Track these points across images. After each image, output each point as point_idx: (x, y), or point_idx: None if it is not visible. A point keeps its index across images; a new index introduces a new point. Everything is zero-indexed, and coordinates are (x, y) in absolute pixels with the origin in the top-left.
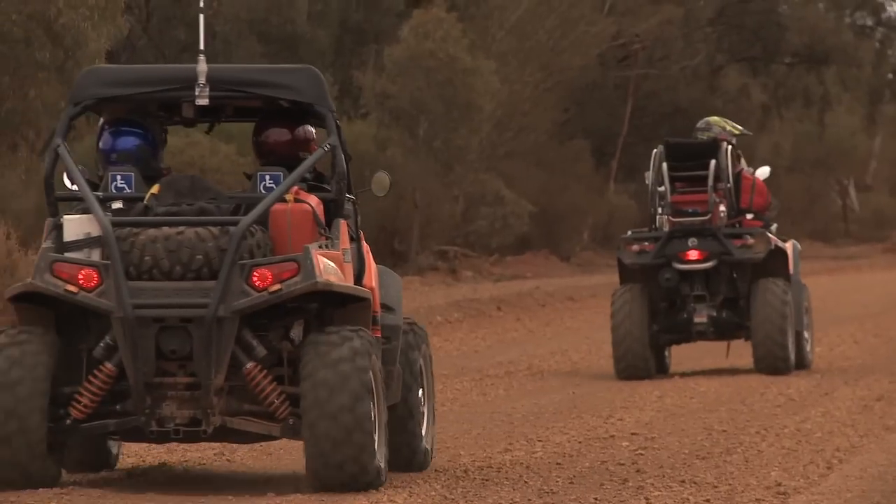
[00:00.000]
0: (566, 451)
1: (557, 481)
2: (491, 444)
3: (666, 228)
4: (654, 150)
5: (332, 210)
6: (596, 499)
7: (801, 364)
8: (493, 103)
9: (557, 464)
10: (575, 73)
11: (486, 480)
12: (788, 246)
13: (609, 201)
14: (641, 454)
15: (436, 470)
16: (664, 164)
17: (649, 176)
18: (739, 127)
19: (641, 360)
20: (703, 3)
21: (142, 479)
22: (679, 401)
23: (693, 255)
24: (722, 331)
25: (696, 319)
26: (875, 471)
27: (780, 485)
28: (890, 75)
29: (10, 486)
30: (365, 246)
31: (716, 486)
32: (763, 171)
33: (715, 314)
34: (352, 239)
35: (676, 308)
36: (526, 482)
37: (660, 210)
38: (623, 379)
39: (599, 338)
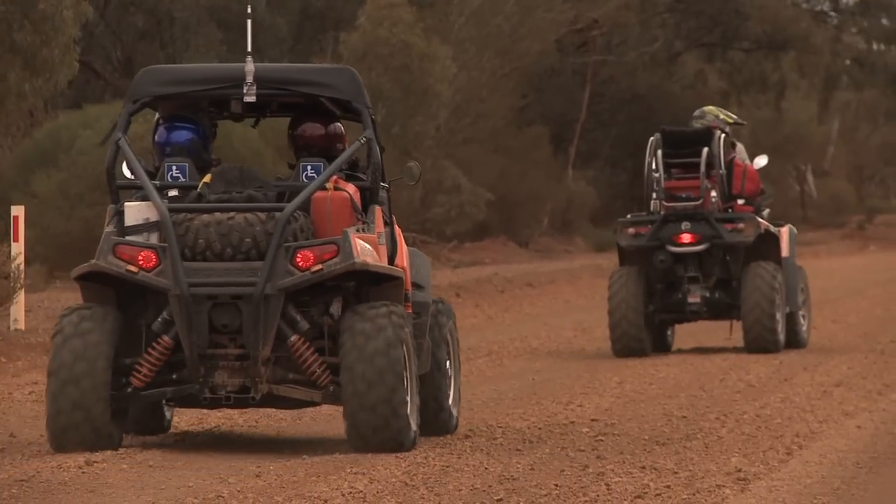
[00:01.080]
0: (526, 438)
1: (518, 467)
2: None
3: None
4: (651, 138)
5: (368, 197)
6: (556, 485)
7: (797, 343)
8: (451, 90)
9: (518, 450)
10: (533, 59)
11: (447, 467)
12: (784, 230)
13: (567, 187)
14: (602, 440)
15: (396, 456)
16: (659, 151)
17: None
18: (734, 116)
19: (637, 339)
20: None
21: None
22: (639, 387)
23: (686, 238)
24: (715, 311)
25: (690, 300)
26: (835, 456)
27: (740, 470)
28: (847, 62)
29: (78, 445)
30: (397, 229)
31: (676, 472)
32: (760, 160)
33: (708, 295)
34: (386, 223)
35: (672, 289)
36: (486, 468)
37: (654, 195)
38: (620, 357)
39: (558, 324)
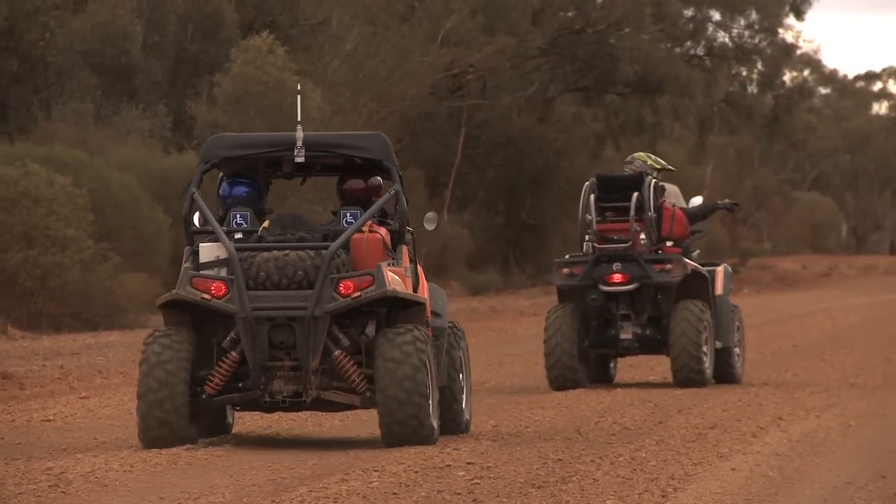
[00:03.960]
0: (402, 481)
1: None
2: (327, 474)
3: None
4: (586, 183)
5: (396, 239)
6: None
7: (731, 378)
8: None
9: (394, 494)
10: (408, 103)
11: None
12: (719, 269)
13: (443, 231)
14: (478, 483)
15: (272, 501)
16: (592, 196)
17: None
18: (662, 161)
19: (570, 372)
20: (536, 34)
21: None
22: (514, 429)
23: (616, 278)
24: (646, 346)
25: (622, 336)
26: (709, 499)
27: None
28: (721, 105)
29: (161, 442)
30: (419, 266)
31: None
32: (695, 201)
33: (640, 331)
34: (411, 260)
35: (606, 325)
36: None
37: (587, 237)
38: (555, 389)
39: None
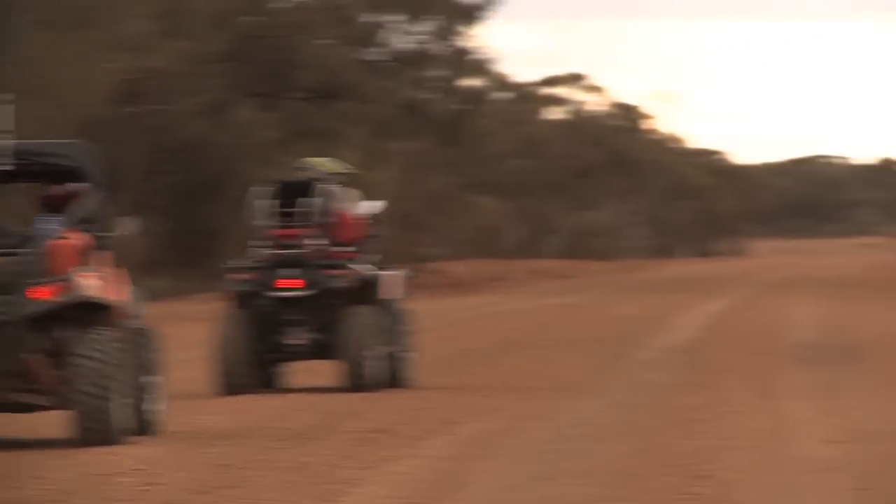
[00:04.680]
0: (66, 489)
1: None
2: None
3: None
4: (253, 188)
5: (97, 244)
6: None
7: (402, 383)
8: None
9: (59, 501)
10: (86, 108)
11: None
12: (392, 274)
13: (117, 236)
14: (146, 490)
15: None
16: (262, 201)
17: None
18: (340, 165)
19: (241, 377)
20: (217, 39)
21: None
22: (184, 435)
23: (287, 283)
24: (317, 351)
25: (293, 341)
26: (377, 503)
27: None
28: (402, 109)
29: None
30: (120, 270)
31: None
32: (373, 205)
33: (311, 336)
34: (110, 265)
35: (276, 331)
36: None
37: (259, 243)
38: (226, 394)
39: None
